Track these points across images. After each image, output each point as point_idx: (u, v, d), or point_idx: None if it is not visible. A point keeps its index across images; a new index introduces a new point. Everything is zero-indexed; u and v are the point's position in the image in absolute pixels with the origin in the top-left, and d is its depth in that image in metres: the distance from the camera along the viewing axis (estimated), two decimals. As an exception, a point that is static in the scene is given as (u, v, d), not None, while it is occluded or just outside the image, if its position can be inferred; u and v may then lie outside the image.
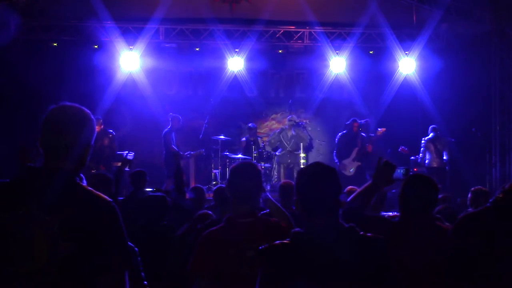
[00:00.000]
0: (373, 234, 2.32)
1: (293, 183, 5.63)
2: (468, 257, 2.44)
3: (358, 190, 3.04)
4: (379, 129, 10.24)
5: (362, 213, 2.96)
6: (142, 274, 3.67)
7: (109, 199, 1.94)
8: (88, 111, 2.06)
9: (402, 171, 3.05)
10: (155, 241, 4.49)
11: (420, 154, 10.26)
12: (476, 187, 5.83)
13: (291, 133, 10.56)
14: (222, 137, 11.55)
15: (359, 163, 10.14)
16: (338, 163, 10.23)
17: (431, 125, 10.34)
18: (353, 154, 10.15)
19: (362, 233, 2.08)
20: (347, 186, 7.22)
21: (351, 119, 10.55)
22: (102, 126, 10.03)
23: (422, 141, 10.24)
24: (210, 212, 4.88)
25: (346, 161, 10.18)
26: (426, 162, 10.14)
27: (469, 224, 2.54)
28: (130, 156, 6.08)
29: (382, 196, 5.35)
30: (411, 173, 3.11)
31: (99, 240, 1.86)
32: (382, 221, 3.04)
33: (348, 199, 3.00)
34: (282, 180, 7.88)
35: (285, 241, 2.07)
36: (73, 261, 1.84)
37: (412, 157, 10.47)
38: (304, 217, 2.12)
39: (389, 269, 2.05)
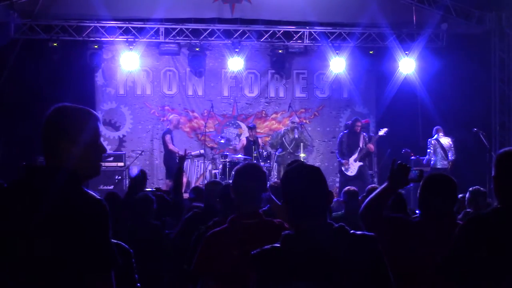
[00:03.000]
0: (385, 233, 2.31)
1: None
2: (476, 261, 2.37)
3: (374, 193, 3.02)
4: (381, 129, 10.24)
5: (381, 215, 2.95)
6: (136, 276, 3.66)
7: (99, 198, 1.94)
8: (91, 111, 2.06)
9: (416, 172, 3.05)
10: (143, 240, 4.51)
11: (427, 156, 10.23)
12: (474, 187, 5.81)
13: (293, 135, 10.58)
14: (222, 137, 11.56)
15: (361, 163, 10.15)
16: (341, 161, 10.26)
17: (436, 126, 10.33)
18: (355, 155, 10.16)
19: (352, 231, 2.06)
20: (349, 185, 7.15)
21: (353, 118, 10.56)
22: None
23: (428, 143, 10.22)
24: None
25: (348, 161, 10.18)
26: (431, 163, 10.14)
27: (479, 227, 2.46)
28: (134, 172, 6.08)
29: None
30: (425, 174, 3.11)
31: (85, 239, 1.85)
32: (403, 221, 3.03)
33: (364, 203, 3.00)
34: (272, 181, 7.83)
35: (275, 245, 2.05)
36: (58, 260, 1.84)
37: (412, 157, 10.47)
38: (293, 220, 2.10)
39: (382, 266, 2.04)
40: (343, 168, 10.22)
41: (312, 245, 1.99)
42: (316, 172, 2.12)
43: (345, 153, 10.26)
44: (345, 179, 10.02)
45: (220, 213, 3.99)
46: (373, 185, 6.01)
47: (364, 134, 10.46)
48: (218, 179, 10.34)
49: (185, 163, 11.16)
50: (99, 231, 1.89)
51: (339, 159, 10.35)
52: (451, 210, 3.00)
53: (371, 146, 10.25)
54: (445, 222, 2.90)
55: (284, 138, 10.55)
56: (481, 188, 5.89)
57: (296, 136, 10.43)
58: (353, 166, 10.17)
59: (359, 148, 10.17)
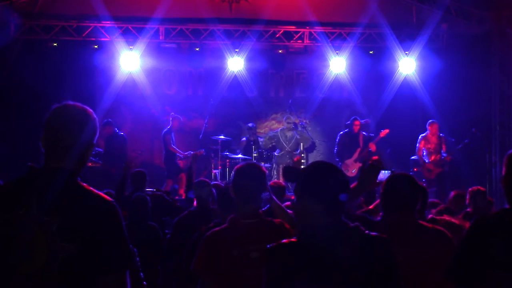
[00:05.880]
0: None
1: (283, 183, 5.63)
2: (482, 262, 2.32)
3: None
4: (382, 130, 10.21)
5: (348, 213, 2.96)
6: (141, 274, 3.68)
7: (110, 199, 1.94)
8: (90, 110, 2.06)
9: (389, 173, 3.06)
10: (140, 241, 4.52)
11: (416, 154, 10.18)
12: (473, 187, 5.83)
13: (290, 133, 10.55)
14: (222, 137, 11.54)
15: (361, 164, 10.09)
16: (340, 164, 10.21)
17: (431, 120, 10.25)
18: (355, 155, 10.13)
19: (367, 232, 2.08)
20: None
21: (352, 117, 10.54)
22: (114, 129, 10.26)
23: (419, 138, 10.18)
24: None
25: (348, 162, 10.16)
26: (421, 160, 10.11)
27: (486, 228, 2.40)
28: None
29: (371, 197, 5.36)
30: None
31: (100, 240, 1.86)
32: (364, 220, 3.04)
33: None
34: (272, 181, 7.82)
35: (292, 240, 2.09)
36: (73, 262, 1.83)
37: (413, 157, 10.45)
38: (309, 216, 2.12)
39: (395, 267, 2.05)
40: (343, 170, 10.17)
41: (326, 242, 2.01)
42: (332, 170, 2.15)
43: (344, 154, 10.22)
44: None
45: (219, 214, 4.00)
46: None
47: (364, 133, 10.42)
48: (218, 180, 10.39)
49: (184, 163, 11.20)
50: (115, 232, 1.90)
51: (337, 159, 10.30)
52: (410, 209, 2.98)
53: (373, 146, 10.20)
54: (405, 222, 2.91)
55: (281, 137, 10.53)
56: (480, 188, 5.90)
57: (296, 135, 10.41)
58: (353, 166, 10.15)
59: (358, 149, 10.14)
